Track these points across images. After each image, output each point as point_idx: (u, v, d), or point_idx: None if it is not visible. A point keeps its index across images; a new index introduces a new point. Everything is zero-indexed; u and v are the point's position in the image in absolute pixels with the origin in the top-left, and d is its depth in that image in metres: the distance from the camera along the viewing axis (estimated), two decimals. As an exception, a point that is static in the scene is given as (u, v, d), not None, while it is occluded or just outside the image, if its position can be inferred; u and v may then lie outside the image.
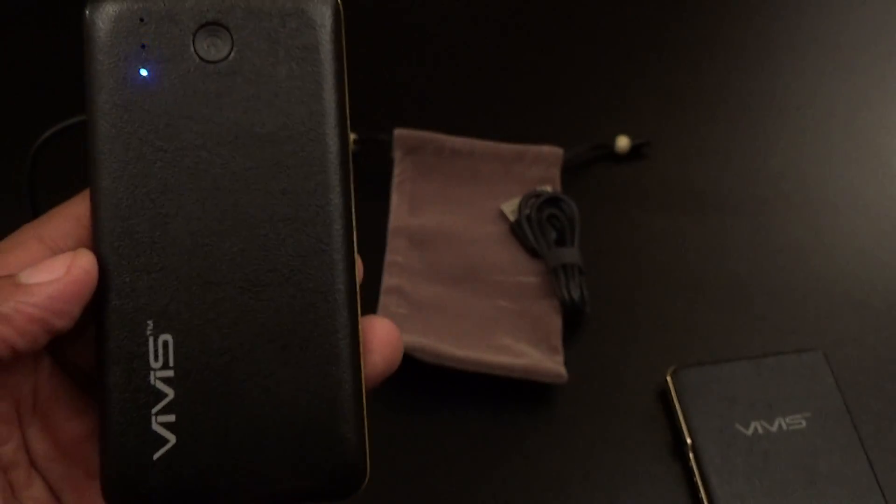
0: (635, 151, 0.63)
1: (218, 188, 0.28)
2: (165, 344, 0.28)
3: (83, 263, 0.27)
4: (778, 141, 0.65)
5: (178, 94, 0.28)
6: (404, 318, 0.52)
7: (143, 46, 0.28)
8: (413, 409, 0.51)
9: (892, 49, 0.71)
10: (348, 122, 0.29)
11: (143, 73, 0.28)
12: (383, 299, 0.53)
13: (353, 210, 0.29)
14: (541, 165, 0.60)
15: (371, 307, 0.52)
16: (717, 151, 0.64)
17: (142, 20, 0.28)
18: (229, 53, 0.28)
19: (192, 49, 0.28)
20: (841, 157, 0.64)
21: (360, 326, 0.29)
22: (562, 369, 0.51)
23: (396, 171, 0.58)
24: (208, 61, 0.28)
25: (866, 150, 0.65)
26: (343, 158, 0.29)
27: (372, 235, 0.56)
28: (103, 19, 0.28)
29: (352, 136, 0.60)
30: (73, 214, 0.29)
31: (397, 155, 0.59)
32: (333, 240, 0.28)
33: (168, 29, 0.28)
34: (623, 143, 0.62)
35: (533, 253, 0.56)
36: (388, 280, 0.54)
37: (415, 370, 0.50)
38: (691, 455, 0.49)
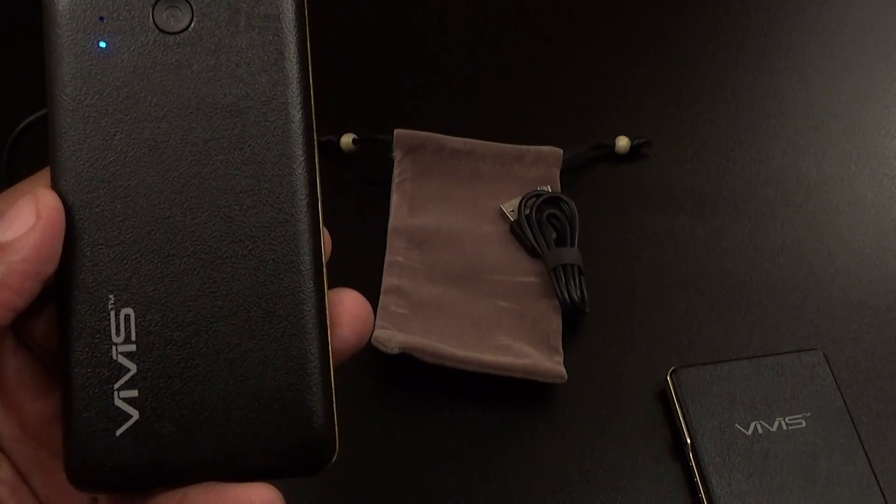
0: (635, 151, 0.63)
1: (179, 160, 0.28)
2: (127, 318, 0.27)
3: (49, 202, 0.27)
4: (778, 141, 0.65)
5: (138, 65, 0.28)
6: (404, 318, 0.52)
7: (101, 18, 0.28)
8: (413, 409, 0.51)
9: (892, 49, 0.71)
10: (312, 92, 0.29)
11: (102, 44, 0.28)
12: (383, 299, 0.53)
13: (318, 181, 0.29)
14: (541, 165, 0.60)
15: (371, 307, 0.52)
16: (717, 151, 0.64)
17: None
18: (189, 24, 0.28)
19: (151, 20, 0.28)
20: (841, 157, 0.64)
21: (326, 299, 0.29)
22: (562, 369, 0.51)
23: (396, 171, 0.58)
24: (168, 32, 0.28)
25: (866, 150, 0.65)
26: (306, 128, 0.28)
27: (372, 235, 0.56)
28: None
29: (351, 136, 0.60)
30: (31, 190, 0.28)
31: (397, 155, 0.59)
32: (297, 210, 0.28)
33: (127, 0, 0.28)
34: (623, 143, 0.62)
35: (533, 253, 0.56)
36: (388, 280, 0.54)
37: (415, 370, 0.50)
38: (691, 455, 0.49)
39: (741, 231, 0.60)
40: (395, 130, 0.59)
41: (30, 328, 0.29)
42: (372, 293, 0.53)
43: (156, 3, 0.28)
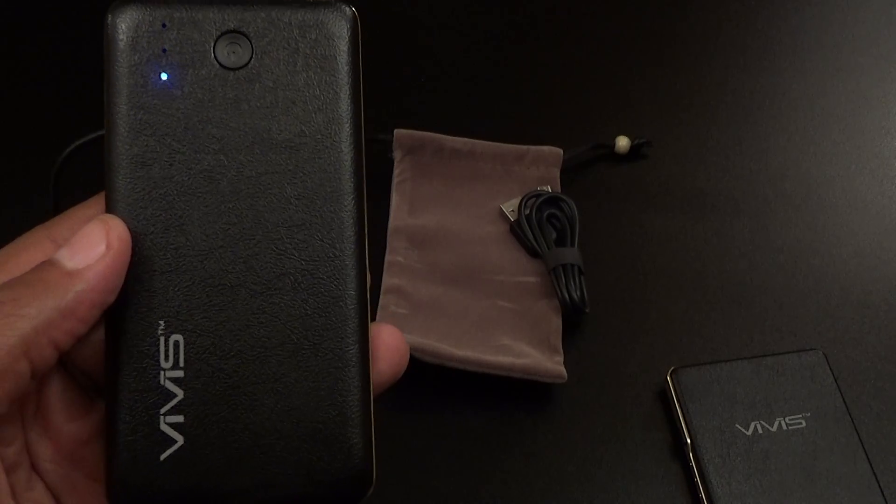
0: (635, 151, 0.63)
1: (234, 192, 0.28)
2: (176, 344, 0.28)
3: (120, 234, 0.27)
4: (778, 141, 0.65)
5: (197, 99, 0.28)
6: (404, 318, 0.52)
7: (164, 51, 0.28)
8: (413, 409, 0.51)
9: (892, 50, 0.71)
10: (363, 131, 0.30)
11: (164, 77, 0.28)
12: (383, 299, 0.53)
13: (366, 218, 0.29)
14: (541, 165, 0.60)
15: (371, 307, 0.52)
16: (717, 151, 0.64)
17: (164, 25, 0.28)
18: (249, 61, 0.29)
19: (212, 55, 0.29)
20: (841, 157, 0.64)
21: (370, 334, 0.29)
22: (562, 369, 0.51)
23: (396, 171, 0.58)
24: (228, 68, 0.29)
25: (866, 151, 0.65)
26: (357, 166, 0.29)
27: (372, 235, 0.56)
28: (126, 23, 0.28)
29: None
30: (85, 216, 0.29)
31: (397, 155, 0.59)
32: (346, 246, 0.29)
33: (189, 35, 0.29)
34: (623, 143, 0.62)
35: (533, 253, 0.56)
36: (388, 280, 0.54)
37: (415, 370, 0.50)
38: (691, 455, 0.49)
39: (741, 231, 0.60)
40: (395, 130, 0.59)
41: (70, 351, 0.29)
42: (372, 293, 0.53)
43: (217, 39, 0.29)
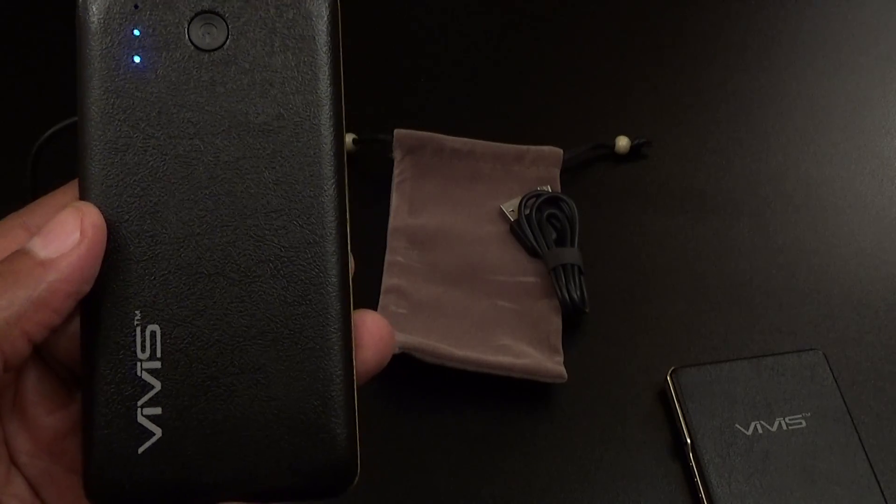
0: (635, 151, 0.63)
1: (210, 177, 0.28)
2: (153, 335, 0.27)
3: (94, 221, 0.26)
4: (778, 141, 0.65)
5: (172, 81, 0.28)
6: (404, 318, 0.52)
7: (136, 33, 0.28)
8: (413, 409, 0.51)
9: (892, 49, 0.71)
10: (343, 113, 0.29)
11: (137, 59, 0.28)
12: (383, 299, 0.53)
13: (347, 202, 0.29)
14: (541, 165, 0.60)
15: (371, 307, 0.52)
16: (717, 151, 0.64)
17: (136, 6, 0.28)
18: (224, 42, 0.28)
19: (186, 37, 0.28)
20: (841, 157, 0.64)
21: (352, 321, 0.29)
22: (562, 369, 0.51)
23: (396, 171, 0.58)
24: (203, 49, 0.28)
25: (866, 150, 0.65)
26: (337, 150, 0.28)
27: (372, 235, 0.56)
28: (97, 5, 0.28)
29: (351, 136, 0.60)
30: (59, 204, 0.28)
31: (397, 155, 0.59)
32: (326, 231, 0.28)
33: (163, 16, 0.28)
34: (623, 143, 0.62)
35: (533, 253, 0.56)
36: (388, 280, 0.54)
37: (415, 370, 0.50)
38: (691, 455, 0.49)
39: (741, 231, 0.60)
40: (395, 130, 0.59)
41: (48, 342, 0.28)
42: (372, 293, 0.53)
43: (192, 20, 0.28)
